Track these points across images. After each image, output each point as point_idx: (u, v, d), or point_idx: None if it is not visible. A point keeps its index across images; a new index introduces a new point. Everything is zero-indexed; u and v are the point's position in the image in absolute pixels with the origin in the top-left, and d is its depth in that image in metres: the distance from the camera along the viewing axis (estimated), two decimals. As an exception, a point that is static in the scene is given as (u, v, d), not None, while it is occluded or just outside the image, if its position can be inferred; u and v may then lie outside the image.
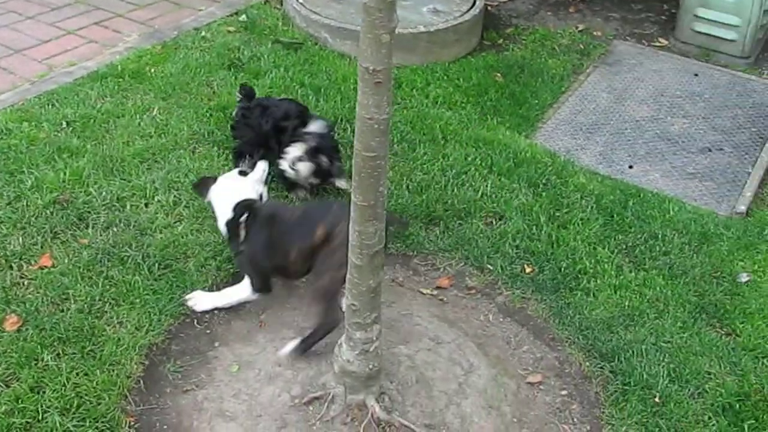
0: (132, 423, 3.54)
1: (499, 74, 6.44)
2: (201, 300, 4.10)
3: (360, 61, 2.73)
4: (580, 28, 7.39)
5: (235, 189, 4.19)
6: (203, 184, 4.34)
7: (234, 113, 5.17)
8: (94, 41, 6.54)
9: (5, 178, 4.79)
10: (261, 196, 4.32)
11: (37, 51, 6.38)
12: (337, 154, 4.89)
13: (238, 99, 5.16)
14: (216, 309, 4.11)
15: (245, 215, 4.03)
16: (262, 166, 4.44)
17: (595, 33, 7.36)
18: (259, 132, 4.96)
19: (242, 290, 4.04)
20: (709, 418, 3.78)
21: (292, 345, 3.79)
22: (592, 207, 5.01)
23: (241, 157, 5.00)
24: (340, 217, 3.63)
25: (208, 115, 5.48)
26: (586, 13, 7.72)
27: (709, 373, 4.01)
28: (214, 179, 4.32)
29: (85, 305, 4.03)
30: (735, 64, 6.98)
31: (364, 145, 2.86)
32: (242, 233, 4.05)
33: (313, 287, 3.94)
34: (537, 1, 7.84)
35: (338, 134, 5.31)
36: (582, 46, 7.08)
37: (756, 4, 6.76)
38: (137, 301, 4.07)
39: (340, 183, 4.87)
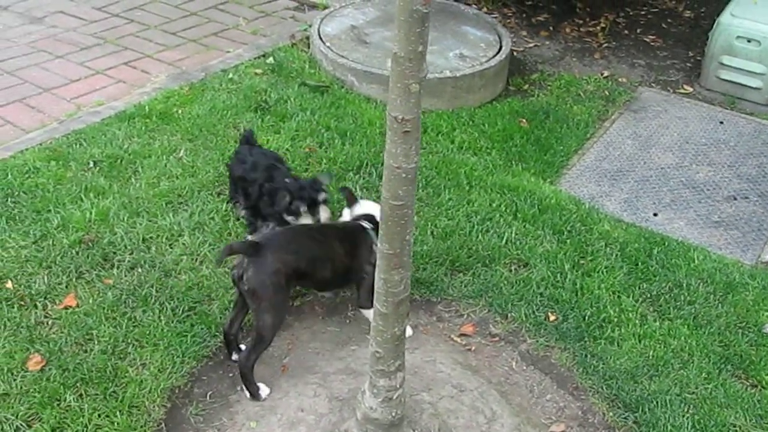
0: (152, 467, 3.55)
1: (524, 120, 6.45)
2: None
3: (389, 110, 2.74)
4: (605, 75, 7.40)
5: None
6: None
7: None
8: (122, 81, 6.59)
9: (32, 217, 4.81)
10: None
11: (66, 90, 6.44)
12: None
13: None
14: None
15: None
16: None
17: (620, 79, 7.36)
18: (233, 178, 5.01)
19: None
20: (735, 472, 3.76)
21: None
22: (616, 255, 4.99)
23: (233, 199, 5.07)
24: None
25: (234, 157, 5.48)
26: (612, 59, 7.73)
27: (734, 426, 3.99)
28: None
29: (109, 346, 4.05)
30: (760, 112, 6.96)
31: (392, 194, 2.86)
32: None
33: None
34: (562, 48, 7.86)
35: (363, 178, 5.35)
36: (607, 93, 7.09)
37: (782, 53, 6.77)
38: (161, 342, 4.08)
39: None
